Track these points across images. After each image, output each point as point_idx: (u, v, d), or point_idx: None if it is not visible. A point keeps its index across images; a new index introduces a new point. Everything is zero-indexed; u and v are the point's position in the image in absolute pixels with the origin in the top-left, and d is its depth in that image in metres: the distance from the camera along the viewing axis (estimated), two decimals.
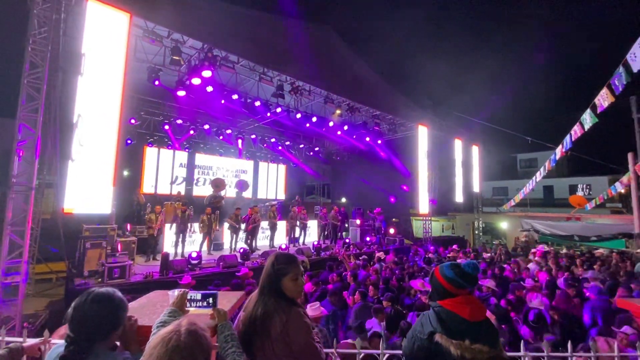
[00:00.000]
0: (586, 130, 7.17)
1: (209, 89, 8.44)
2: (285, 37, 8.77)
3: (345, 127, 12.28)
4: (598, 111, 6.33)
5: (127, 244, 7.44)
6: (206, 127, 12.67)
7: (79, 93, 5.34)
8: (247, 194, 14.16)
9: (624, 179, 10.65)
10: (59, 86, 6.89)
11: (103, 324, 1.23)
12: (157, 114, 11.78)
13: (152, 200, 10.23)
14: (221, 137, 13.24)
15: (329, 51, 10.31)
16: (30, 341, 1.70)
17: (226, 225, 9.54)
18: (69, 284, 6.23)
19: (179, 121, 12.07)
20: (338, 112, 11.09)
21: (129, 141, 11.19)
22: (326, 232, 12.02)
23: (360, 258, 7.72)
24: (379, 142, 14.32)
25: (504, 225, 18.37)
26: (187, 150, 13.40)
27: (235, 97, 9.42)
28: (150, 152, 12.41)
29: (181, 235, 8.56)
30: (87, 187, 5.37)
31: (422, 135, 12.91)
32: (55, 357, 1.20)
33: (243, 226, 9.40)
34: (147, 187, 12.19)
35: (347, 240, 11.04)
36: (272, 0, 9.46)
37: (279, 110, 10.48)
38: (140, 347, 1.32)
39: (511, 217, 17.85)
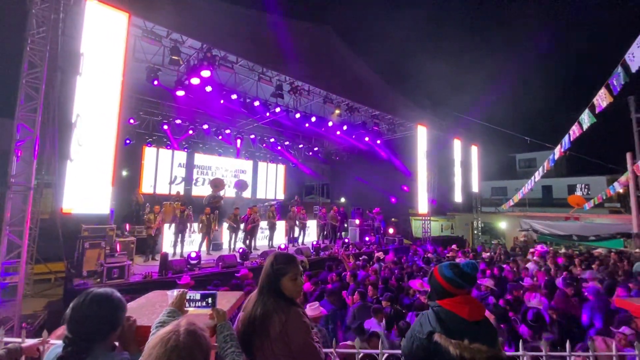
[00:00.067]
0: (585, 130, 7.20)
1: (208, 88, 8.43)
2: (284, 37, 8.77)
3: (345, 127, 12.28)
4: (596, 111, 6.36)
5: (126, 244, 7.44)
6: (205, 127, 12.66)
7: (77, 93, 5.32)
8: (246, 193, 14.14)
9: (623, 178, 10.70)
10: (58, 86, 6.88)
11: (102, 324, 1.22)
12: (156, 114, 11.76)
13: (151, 200, 10.22)
14: (220, 137, 13.23)
15: (328, 51, 10.31)
16: (29, 342, 1.70)
17: (225, 225, 9.54)
18: (68, 284, 6.21)
19: (178, 121, 12.05)
20: (337, 112, 11.10)
21: (127, 141, 11.17)
22: (325, 232, 12.02)
23: (360, 258, 7.73)
24: (378, 142, 14.33)
25: (502, 225, 18.40)
26: (186, 150, 13.39)
27: (234, 97, 9.42)
28: (149, 152, 12.40)
29: (180, 235, 8.55)
30: (86, 187, 5.36)
31: (421, 135, 12.92)
32: (54, 358, 1.19)
33: (242, 226, 9.40)
34: (146, 187, 12.17)
35: (347, 240, 11.05)
36: (271, 0, 9.42)
37: (278, 110, 10.48)
38: (139, 348, 1.32)
39: (510, 217, 17.88)
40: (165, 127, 11.81)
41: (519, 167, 25.66)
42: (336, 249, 10.24)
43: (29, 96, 5.16)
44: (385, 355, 2.01)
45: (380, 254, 8.30)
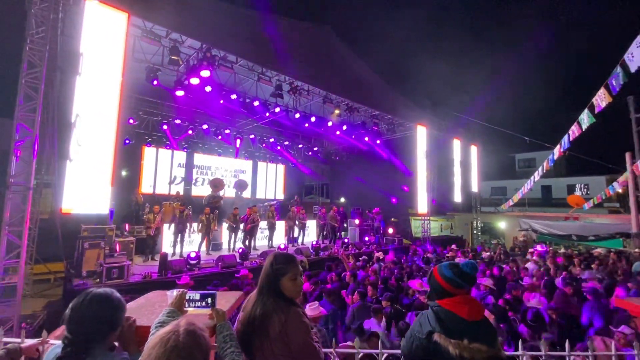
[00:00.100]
0: (584, 130, 7.21)
1: (208, 88, 8.42)
2: (284, 37, 8.77)
3: (344, 127, 12.29)
4: (596, 111, 6.38)
5: (126, 244, 7.43)
6: (205, 127, 12.66)
7: (77, 93, 5.32)
8: (246, 194, 14.13)
9: (622, 178, 10.72)
10: (57, 86, 6.88)
11: (101, 324, 1.22)
12: (155, 114, 11.75)
13: (151, 200, 10.21)
14: (220, 137, 13.22)
15: (328, 51, 10.31)
16: (28, 342, 1.70)
17: (225, 225, 9.53)
18: (67, 284, 6.21)
19: (178, 121, 12.03)
20: (337, 112, 11.10)
21: (127, 141, 11.16)
22: (325, 232, 12.02)
23: (360, 258, 7.73)
24: (378, 142, 14.32)
25: (502, 224, 18.42)
26: (185, 150, 13.37)
27: (233, 97, 9.42)
28: (149, 152, 12.38)
29: (180, 235, 8.55)
30: (85, 187, 5.36)
31: (421, 135, 12.93)
32: (53, 358, 1.19)
33: (242, 226, 9.40)
34: (146, 187, 12.15)
35: (346, 240, 11.05)
36: (271, 0, 9.42)
37: (277, 110, 10.47)
38: (138, 348, 1.32)
39: (509, 217, 17.90)
40: (165, 127, 11.80)
41: (519, 167, 25.68)
42: (336, 249, 10.24)
43: (28, 96, 5.15)
44: (385, 355, 2.01)
45: (379, 254, 8.29)
